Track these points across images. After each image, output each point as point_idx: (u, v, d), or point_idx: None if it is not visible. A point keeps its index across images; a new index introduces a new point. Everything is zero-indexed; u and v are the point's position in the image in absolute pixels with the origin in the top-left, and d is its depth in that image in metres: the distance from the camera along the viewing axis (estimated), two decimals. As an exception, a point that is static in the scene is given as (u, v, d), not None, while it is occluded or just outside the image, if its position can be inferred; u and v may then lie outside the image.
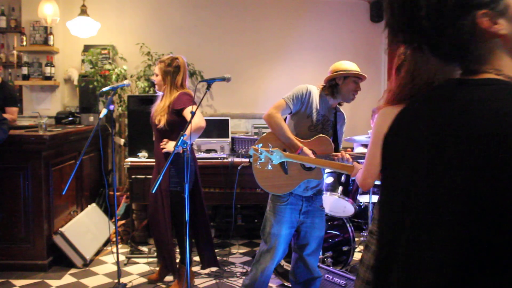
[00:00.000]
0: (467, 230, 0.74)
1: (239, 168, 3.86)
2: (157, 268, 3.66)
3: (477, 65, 0.84)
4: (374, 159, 1.93)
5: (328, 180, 3.64)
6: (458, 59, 0.86)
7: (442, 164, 0.80)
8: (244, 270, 3.82)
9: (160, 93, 3.33)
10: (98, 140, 3.36)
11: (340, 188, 3.58)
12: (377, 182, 2.06)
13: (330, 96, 2.72)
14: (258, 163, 2.42)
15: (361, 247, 2.30)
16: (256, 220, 4.67)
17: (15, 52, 5.26)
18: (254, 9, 5.33)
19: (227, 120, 4.71)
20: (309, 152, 2.59)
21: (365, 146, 3.75)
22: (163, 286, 3.49)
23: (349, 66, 2.68)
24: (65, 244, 3.86)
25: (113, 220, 3.97)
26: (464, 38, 0.81)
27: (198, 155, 4.27)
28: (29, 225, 3.74)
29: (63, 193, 3.17)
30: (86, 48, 5.02)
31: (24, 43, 5.04)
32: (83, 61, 5.02)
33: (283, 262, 3.47)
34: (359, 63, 2.80)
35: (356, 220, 4.43)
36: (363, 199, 3.94)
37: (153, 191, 2.58)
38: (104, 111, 2.97)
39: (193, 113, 2.64)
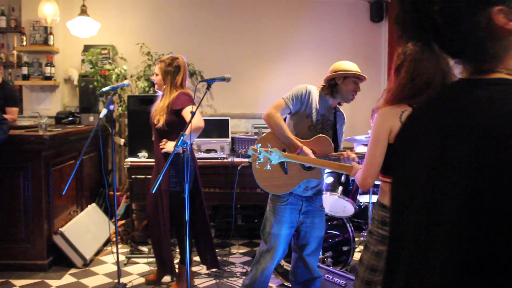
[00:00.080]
0: (467, 230, 0.74)
1: (239, 168, 3.86)
2: (156, 269, 3.66)
3: (489, 64, 0.81)
4: (374, 159, 1.93)
5: (328, 180, 3.64)
6: (470, 57, 0.83)
7: (443, 164, 0.80)
8: (244, 270, 3.83)
9: (160, 93, 3.33)
10: (98, 140, 3.37)
11: (340, 188, 3.58)
12: (377, 182, 2.06)
13: (330, 95, 2.72)
14: (257, 163, 2.42)
15: (361, 247, 2.30)
16: (256, 220, 4.67)
17: (15, 52, 5.27)
18: (254, 9, 5.33)
19: (227, 120, 4.71)
20: (309, 151, 2.59)
21: (366, 145, 3.75)
22: (163, 286, 3.49)
23: (349, 66, 2.68)
24: (65, 244, 3.86)
25: (113, 220, 3.96)
26: (479, 36, 0.78)
27: (198, 155, 4.27)
28: (29, 225, 3.74)
29: (63, 193, 3.17)
30: (86, 48, 5.02)
31: (24, 43, 5.04)
32: (83, 61, 5.02)
33: (283, 262, 3.47)
34: (359, 63, 2.80)
35: (356, 220, 4.43)
36: (363, 199, 3.94)
37: (153, 191, 2.58)
38: (104, 111, 2.97)
39: (193, 113, 2.64)
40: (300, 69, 5.27)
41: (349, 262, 3.64)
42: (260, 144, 2.46)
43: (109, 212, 4.40)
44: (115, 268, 3.34)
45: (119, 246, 4.11)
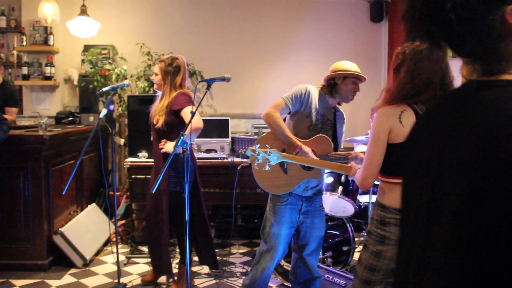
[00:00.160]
0: (467, 231, 0.74)
1: (239, 168, 3.86)
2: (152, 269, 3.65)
3: (499, 65, 0.79)
4: (374, 159, 1.93)
5: (328, 180, 3.64)
6: (482, 57, 0.81)
7: (443, 164, 0.80)
8: (244, 270, 3.82)
9: (159, 93, 3.33)
10: (98, 140, 3.36)
11: (340, 188, 3.58)
12: (377, 182, 2.06)
13: (329, 95, 2.72)
14: (255, 164, 2.41)
15: (361, 247, 2.30)
16: (256, 220, 4.67)
17: (15, 52, 5.26)
18: (254, 9, 5.33)
19: (227, 120, 4.71)
20: (308, 150, 2.59)
21: (366, 144, 3.75)
22: (163, 286, 3.49)
23: (349, 66, 2.68)
24: (65, 244, 3.86)
25: (113, 220, 3.96)
26: (492, 36, 0.76)
27: (198, 155, 4.27)
28: (29, 225, 3.74)
29: (63, 193, 3.17)
30: (86, 48, 5.02)
31: (24, 43, 5.04)
32: (83, 61, 5.02)
33: (283, 262, 3.47)
34: (359, 63, 2.80)
35: (356, 220, 4.43)
36: (363, 199, 3.94)
37: (153, 191, 2.58)
38: (104, 111, 2.97)
39: (193, 113, 2.64)
40: (300, 69, 5.27)
41: (349, 262, 3.64)
42: (258, 145, 2.46)
43: (109, 212, 4.40)
44: (115, 268, 3.34)
45: (119, 246, 4.11)
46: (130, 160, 4.15)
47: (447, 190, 0.79)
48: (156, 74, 3.27)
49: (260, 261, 2.76)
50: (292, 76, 5.17)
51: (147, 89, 4.82)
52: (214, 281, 3.61)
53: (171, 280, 3.44)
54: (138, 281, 3.59)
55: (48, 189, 3.81)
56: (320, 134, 2.70)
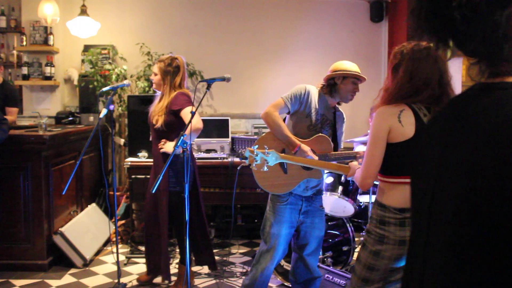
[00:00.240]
0: (465, 231, 0.74)
1: (238, 168, 3.86)
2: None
3: (504, 67, 0.78)
4: (373, 159, 1.93)
5: (328, 180, 3.64)
6: (486, 58, 0.80)
7: (443, 165, 0.81)
8: (244, 270, 3.83)
9: (158, 93, 3.33)
10: (98, 140, 3.36)
11: (340, 188, 3.58)
12: (376, 182, 2.06)
13: (329, 95, 2.72)
14: (254, 165, 2.41)
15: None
16: (256, 220, 4.67)
17: (15, 52, 5.27)
18: (254, 9, 5.33)
19: (227, 120, 4.71)
20: (307, 148, 2.60)
21: (365, 144, 3.75)
22: (163, 286, 3.49)
23: (349, 66, 2.68)
24: (65, 244, 3.86)
25: (113, 220, 3.97)
26: (496, 36, 0.75)
27: (198, 155, 4.27)
28: (29, 225, 3.74)
29: (63, 193, 3.18)
30: (86, 48, 5.02)
31: (24, 43, 5.04)
32: (83, 61, 5.02)
33: (283, 262, 3.47)
34: (359, 63, 2.80)
35: (356, 220, 4.43)
36: (363, 199, 3.94)
37: (153, 191, 2.58)
38: (104, 111, 2.97)
39: (193, 113, 2.64)
40: (300, 69, 5.27)
41: (349, 262, 3.64)
42: (257, 146, 2.46)
43: (109, 212, 4.40)
44: (115, 268, 3.34)
45: (119, 246, 4.11)
46: (130, 160, 4.16)
47: (446, 190, 0.79)
48: (156, 74, 3.27)
49: (260, 261, 2.76)
50: (292, 76, 5.17)
51: (147, 89, 4.83)
52: (214, 281, 3.61)
53: (166, 282, 3.41)
54: (138, 281, 3.59)
55: (48, 189, 3.81)
56: (320, 134, 2.70)
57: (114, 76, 4.77)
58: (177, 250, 3.62)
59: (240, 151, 4.37)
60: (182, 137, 2.55)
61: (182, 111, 3.09)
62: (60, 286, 3.51)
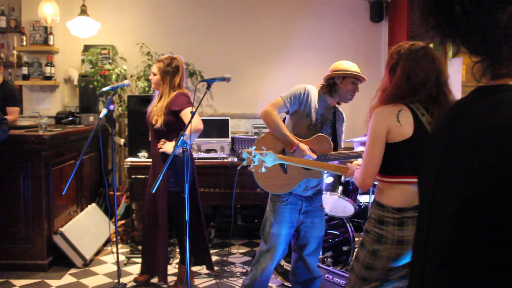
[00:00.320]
0: (464, 231, 0.74)
1: (238, 168, 3.85)
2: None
3: (505, 69, 0.78)
4: (372, 159, 1.93)
5: (328, 180, 3.64)
6: (487, 56, 0.79)
7: (443, 166, 0.81)
8: (244, 270, 3.83)
9: (156, 92, 3.32)
10: (98, 140, 3.36)
11: (340, 188, 3.58)
12: (375, 182, 2.06)
13: (328, 95, 2.72)
14: (252, 166, 2.42)
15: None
16: (256, 220, 4.67)
17: (15, 52, 5.27)
18: (254, 9, 5.33)
19: (227, 120, 4.71)
20: (305, 147, 2.60)
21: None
22: (164, 286, 3.49)
23: (349, 66, 2.68)
24: (65, 244, 3.86)
25: (113, 220, 3.97)
26: (496, 34, 0.74)
27: (198, 155, 4.27)
28: (29, 225, 3.74)
29: (63, 193, 3.18)
30: (86, 48, 5.02)
31: (24, 43, 5.04)
32: (83, 61, 5.02)
33: (283, 262, 3.47)
34: (359, 63, 2.80)
35: (356, 220, 4.43)
36: (363, 199, 3.94)
37: (153, 191, 2.57)
38: (104, 111, 2.97)
39: (193, 113, 2.64)
40: (300, 69, 5.27)
41: (349, 262, 3.64)
42: (255, 147, 2.46)
43: (109, 212, 4.40)
44: (115, 268, 3.34)
45: (119, 246, 4.11)
46: (130, 160, 4.16)
47: (446, 190, 0.80)
48: (155, 74, 3.26)
49: (260, 261, 2.76)
50: (292, 76, 5.17)
51: (147, 89, 4.83)
52: (214, 281, 3.61)
53: (162, 283, 3.39)
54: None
55: (48, 189, 3.81)
56: (320, 134, 2.70)
57: (114, 76, 4.77)
58: (177, 250, 3.62)
59: (240, 151, 4.37)
60: (182, 137, 2.55)
61: (182, 112, 3.09)
62: (60, 286, 3.51)
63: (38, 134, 3.77)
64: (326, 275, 3.15)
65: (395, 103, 1.92)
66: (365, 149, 1.96)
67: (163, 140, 3.16)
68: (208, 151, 4.43)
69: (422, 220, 0.88)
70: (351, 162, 2.61)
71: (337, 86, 2.68)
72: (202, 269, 3.80)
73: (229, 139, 4.57)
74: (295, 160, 2.49)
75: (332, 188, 3.60)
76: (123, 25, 5.21)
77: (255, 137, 4.44)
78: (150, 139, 3.34)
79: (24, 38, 5.03)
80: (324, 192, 3.29)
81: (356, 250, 2.04)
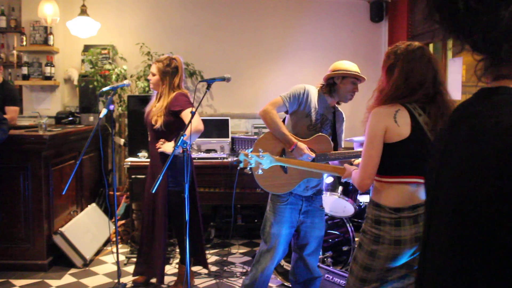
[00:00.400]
0: (462, 232, 0.74)
1: (239, 168, 3.86)
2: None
3: (504, 69, 0.77)
4: (371, 160, 1.93)
5: (328, 180, 3.64)
6: (488, 55, 0.78)
7: (443, 167, 0.82)
8: (244, 270, 3.83)
9: (155, 93, 3.31)
10: (98, 140, 3.37)
11: (340, 188, 3.58)
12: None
13: (328, 95, 2.72)
14: (248, 168, 2.42)
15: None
16: (256, 220, 4.67)
17: (15, 52, 5.27)
18: (254, 9, 5.33)
19: (227, 120, 4.72)
20: (303, 146, 2.60)
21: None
22: (164, 286, 3.49)
23: (349, 66, 2.68)
24: (65, 244, 3.86)
25: (113, 220, 3.97)
26: (497, 32, 0.73)
27: (198, 155, 4.28)
28: (29, 225, 3.74)
29: (63, 193, 3.18)
30: (86, 48, 5.02)
31: (24, 43, 5.04)
32: (83, 61, 5.02)
33: (283, 262, 3.47)
34: (359, 63, 2.80)
35: (356, 220, 4.43)
36: (363, 199, 3.94)
37: (153, 191, 2.57)
38: (104, 111, 2.97)
39: (193, 113, 2.64)
40: (300, 69, 5.27)
41: (349, 262, 3.64)
42: (251, 149, 2.46)
43: (109, 212, 4.40)
44: (115, 268, 3.34)
45: (119, 246, 4.11)
46: (130, 160, 4.16)
47: (446, 191, 0.80)
48: (154, 74, 3.25)
49: (260, 261, 2.76)
50: (292, 76, 5.17)
51: (147, 89, 4.82)
52: (214, 281, 3.61)
53: (159, 283, 3.38)
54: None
55: (48, 189, 3.81)
56: (320, 133, 2.71)
57: (114, 76, 4.77)
58: (177, 250, 3.61)
59: (240, 151, 4.36)
60: (181, 137, 2.54)
61: (182, 113, 3.09)
62: (60, 286, 3.51)
63: (38, 134, 3.77)
64: (326, 275, 3.15)
65: (392, 104, 1.92)
66: (363, 149, 1.96)
67: (162, 140, 3.15)
68: (208, 151, 4.43)
69: (426, 221, 0.89)
70: (351, 162, 2.61)
71: (337, 86, 2.68)
72: (202, 269, 3.80)
73: (229, 139, 4.57)
74: (291, 162, 2.49)
75: (332, 188, 3.60)
76: (123, 25, 5.21)
77: (255, 137, 4.44)
78: (149, 139, 3.34)
79: (24, 38, 5.03)
80: (324, 192, 3.29)
81: (354, 252, 2.04)
